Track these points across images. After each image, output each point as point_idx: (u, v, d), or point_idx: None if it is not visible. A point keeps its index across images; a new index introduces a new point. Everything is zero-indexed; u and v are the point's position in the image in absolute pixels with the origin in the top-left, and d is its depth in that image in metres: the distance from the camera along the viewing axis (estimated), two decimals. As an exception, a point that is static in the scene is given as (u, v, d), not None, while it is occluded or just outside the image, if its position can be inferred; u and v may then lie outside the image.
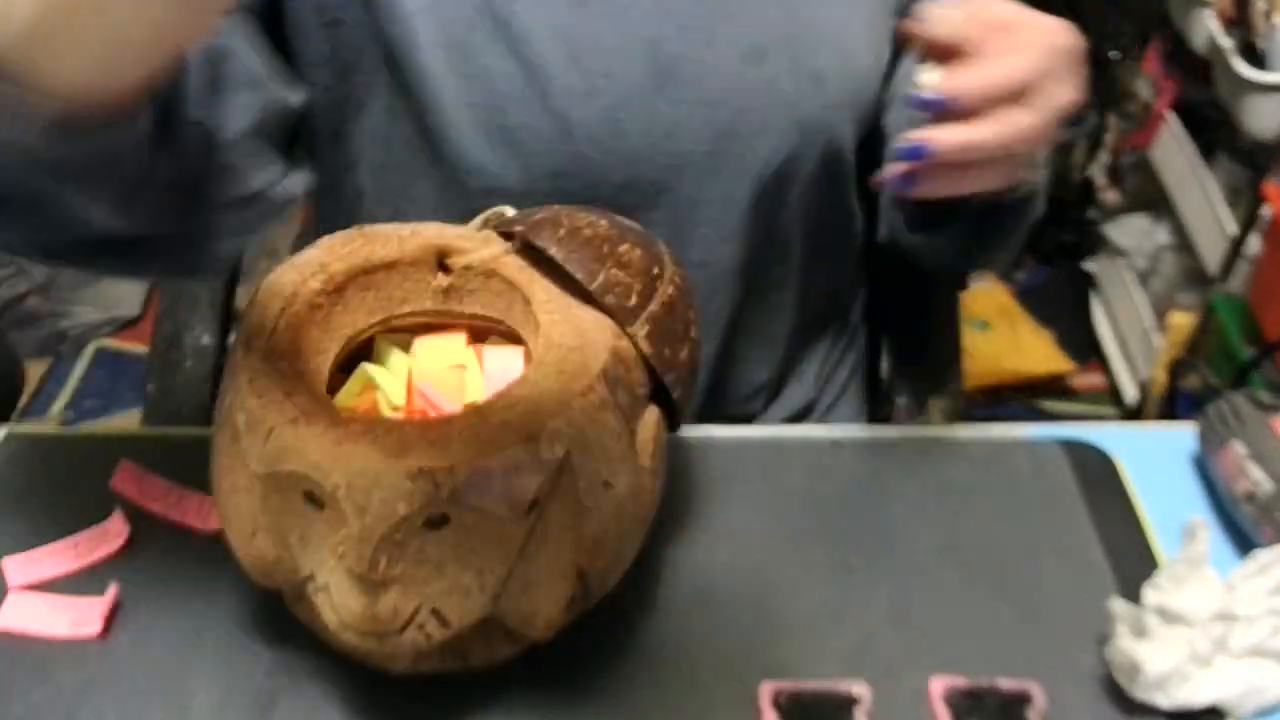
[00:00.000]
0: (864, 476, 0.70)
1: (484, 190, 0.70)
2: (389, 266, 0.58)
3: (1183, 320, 1.69)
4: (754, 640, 0.60)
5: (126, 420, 1.91)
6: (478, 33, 0.68)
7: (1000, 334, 2.02)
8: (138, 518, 0.66)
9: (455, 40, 0.68)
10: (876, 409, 1.01)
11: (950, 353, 0.94)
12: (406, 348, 0.60)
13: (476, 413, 0.49)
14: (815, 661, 0.59)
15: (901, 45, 0.77)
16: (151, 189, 0.54)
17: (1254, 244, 1.55)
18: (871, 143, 0.78)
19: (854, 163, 0.78)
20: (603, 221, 0.58)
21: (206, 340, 0.98)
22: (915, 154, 0.57)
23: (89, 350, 2.13)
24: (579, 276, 0.55)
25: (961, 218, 0.70)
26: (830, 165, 0.75)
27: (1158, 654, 0.55)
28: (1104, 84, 1.99)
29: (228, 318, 1.00)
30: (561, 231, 0.56)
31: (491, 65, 0.68)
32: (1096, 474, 0.70)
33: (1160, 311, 1.82)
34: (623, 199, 0.70)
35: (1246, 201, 1.57)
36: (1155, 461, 0.71)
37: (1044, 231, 2.18)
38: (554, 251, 0.55)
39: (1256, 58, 1.49)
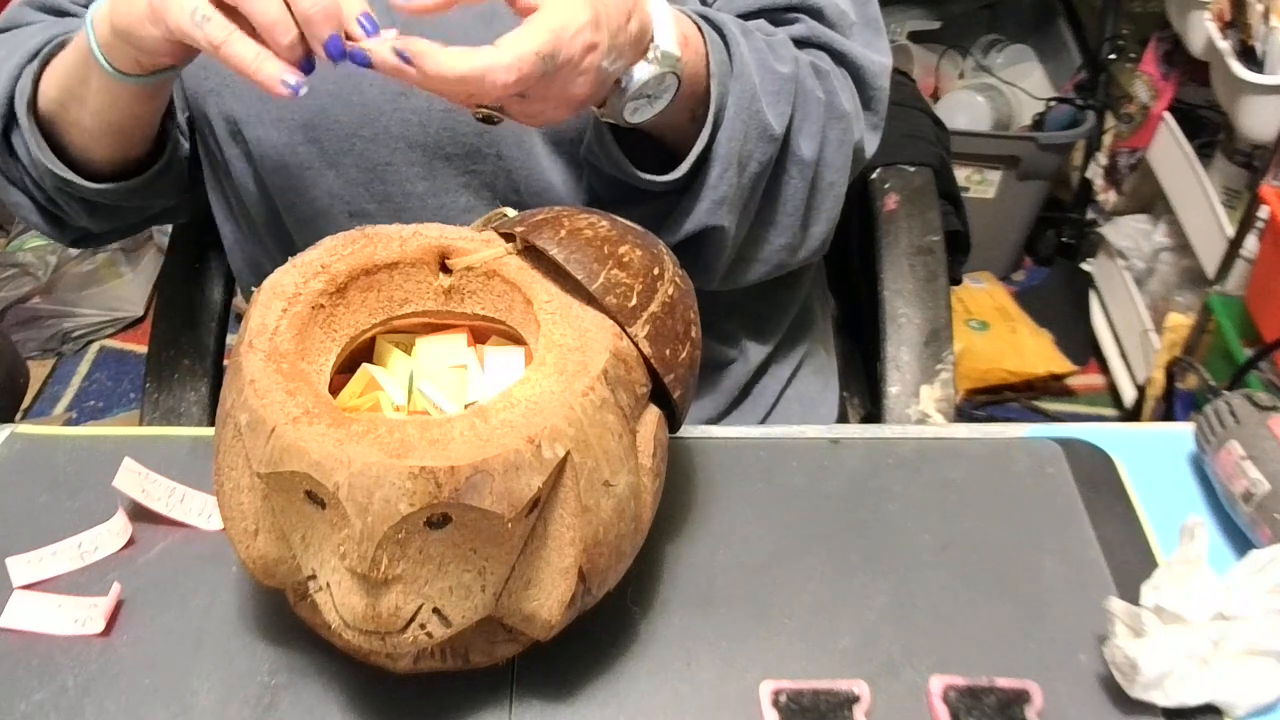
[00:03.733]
0: (864, 476, 0.70)
1: (256, 139, 0.78)
2: (390, 267, 0.59)
3: (1180, 321, 1.69)
4: (754, 640, 0.60)
5: (129, 420, 1.91)
6: None
7: (999, 334, 2.02)
8: (141, 517, 0.67)
9: None
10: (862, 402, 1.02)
11: (940, 342, 0.94)
12: (408, 348, 0.60)
13: (477, 413, 0.50)
14: (815, 661, 0.59)
15: None
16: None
17: (1251, 245, 1.55)
18: None
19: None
20: (603, 222, 0.58)
21: (206, 341, 0.98)
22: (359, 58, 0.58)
23: (92, 350, 2.13)
24: (580, 277, 0.55)
25: (650, 203, 0.74)
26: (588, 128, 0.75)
27: (1156, 653, 0.55)
28: (1102, 85, 1.99)
29: (227, 318, 1.01)
30: (562, 232, 0.56)
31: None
32: (1095, 474, 0.70)
33: (1158, 312, 1.82)
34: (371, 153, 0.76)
35: (1244, 203, 1.57)
36: (1153, 461, 0.71)
37: (1043, 233, 2.18)
38: (555, 252, 0.56)
39: (1254, 60, 1.49)
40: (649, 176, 0.71)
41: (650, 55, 0.65)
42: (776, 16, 0.79)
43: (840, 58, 0.78)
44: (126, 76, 0.68)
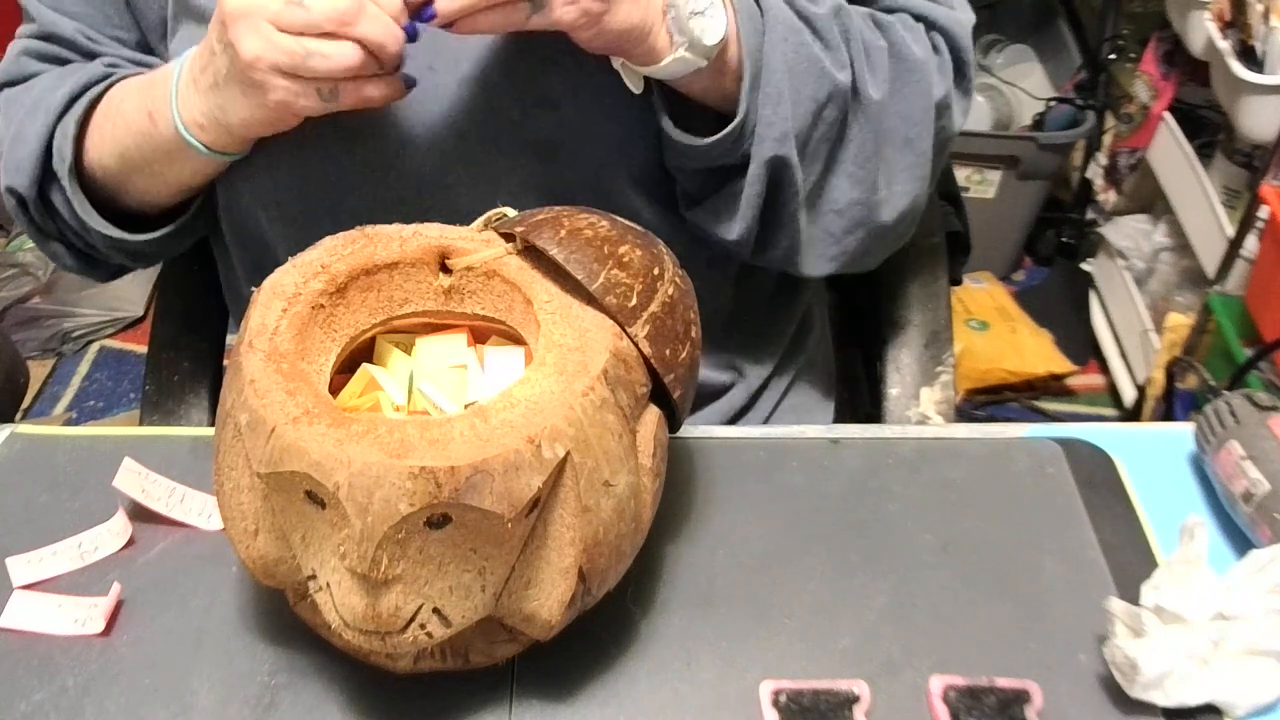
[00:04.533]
0: (864, 476, 0.70)
1: (241, 207, 0.78)
2: (390, 267, 0.59)
3: (1180, 321, 1.69)
4: (754, 640, 0.60)
5: (129, 420, 1.91)
6: None
7: (999, 334, 2.02)
8: (140, 517, 0.67)
9: None
10: (860, 405, 1.02)
11: (940, 344, 0.94)
12: (408, 348, 0.60)
13: (477, 413, 0.50)
14: (815, 661, 0.59)
15: None
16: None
17: (1251, 245, 1.55)
18: None
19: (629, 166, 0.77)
20: (603, 222, 0.58)
21: (206, 342, 0.98)
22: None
23: (92, 350, 2.13)
24: (580, 277, 0.55)
25: (716, 186, 0.73)
26: (600, 181, 0.75)
27: (1155, 653, 0.55)
28: (1102, 85, 1.99)
29: (227, 318, 1.01)
30: (562, 232, 0.56)
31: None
32: (1095, 474, 0.70)
33: (1158, 312, 1.82)
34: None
35: (1244, 203, 1.57)
36: (1153, 461, 0.71)
37: (1043, 233, 2.18)
38: (555, 252, 0.56)
39: (1254, 60, 1.49)
40: (708, 139, 0.69)
41: None
42: None
43: (921, 19, 0.76)
44: (224, 155, 0.72)
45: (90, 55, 0.81)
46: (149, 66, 0.80)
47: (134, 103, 0.73)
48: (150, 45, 0.81)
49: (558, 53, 0.70)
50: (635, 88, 0.69)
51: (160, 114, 0.71)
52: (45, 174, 0.76)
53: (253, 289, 0.57)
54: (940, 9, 0.77)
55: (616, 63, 0.68)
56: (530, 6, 0.61)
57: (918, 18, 0.76)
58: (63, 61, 0.82)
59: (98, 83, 0.77)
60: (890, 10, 0.76)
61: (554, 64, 0.71)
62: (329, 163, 0.74)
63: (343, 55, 0.61)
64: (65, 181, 0.75)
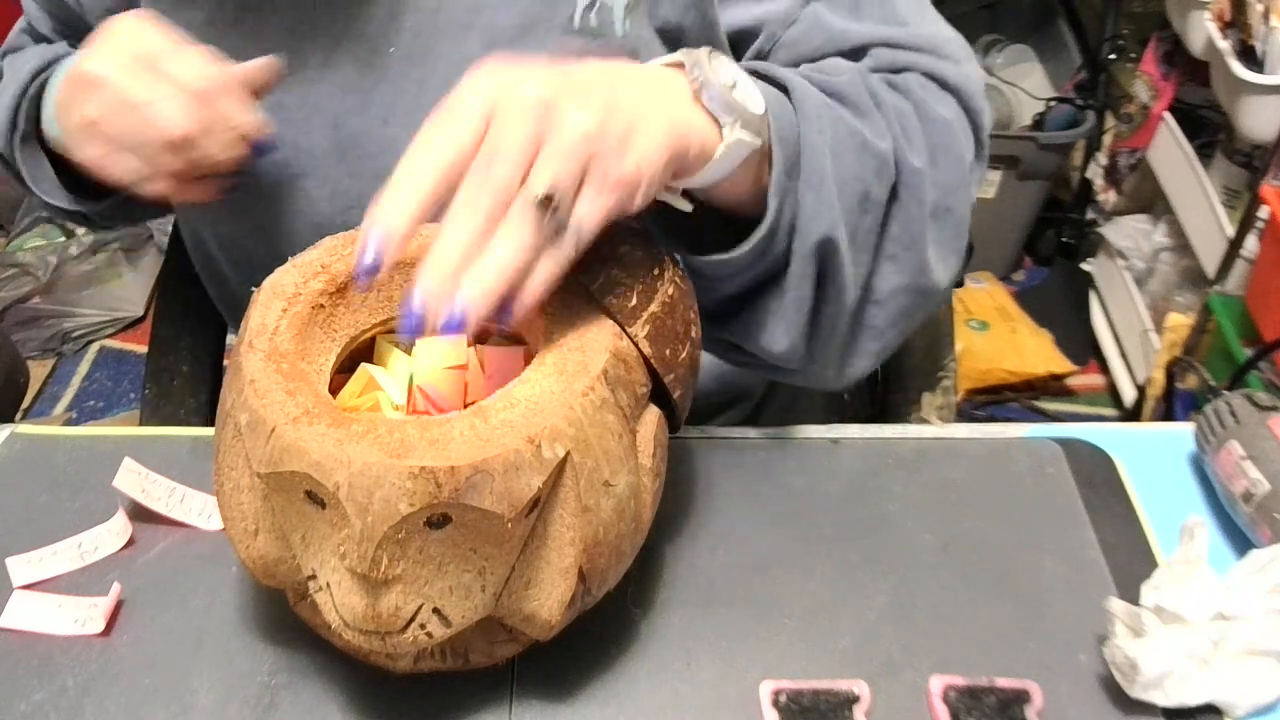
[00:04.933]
0: (864, 476, 0.70)
1: (200, 239, 0.81)
2: (391, 267, 0.58)
3: (1180, 321, 1.69)
4: (754, 640, 0.60)
5: (129, 420, 1.91)
6: None
7: (999, 334, 2.02)
8: (140, 517, 0.67)
9: None
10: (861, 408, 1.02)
11: (942, 348, 0.94)
12: (408, 348, 0.60)
13: (477, 413, 0.50)
14: (815, 661, 0.59)
15: None
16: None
17: (1251, 245, 1.55)
18: None
19: None
20: (603, 223, 0.58)
21: (206, 342, 0.98)
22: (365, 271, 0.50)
23: (92, 350, 2.13)
24: (579, 277, 0.55)
25: (750, 299, 0.64)
26: None
27: (1156, 653, 0.55)
28: (1102, 85, 1.99)
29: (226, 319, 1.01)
30: (562, 232, 0.56)
31: None
32: (1095, 474, 0.70)
33: (1158, 312, 1.82)
34: None
35: (1244, 203, 1.57)
36: (1153, 461, 0.71)
37: (1043, 233, 2.18)
38: (555, 252, 0.55)
39: (1254, 60, 1.49)
40: (743, 248, 0.60)
41: (688, 62, 0.56)
42: (849, 57, 0.69)
43: (934, 77, 0.68)
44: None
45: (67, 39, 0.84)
46: None
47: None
48: None
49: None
50: (685, 206, 0.58)
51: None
52: (11, 136, 0.78)
53: (252, 289, 0.57)
54: (948, 65, 0.68)
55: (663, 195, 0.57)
56: (574, 235, 0.50)
57: (928, 75, 0.68)
58: (49, 41, 0.85)
59: (66, 56, 0.78)
60: (895, 69, 0.68)
61: None
62: (280, 215, 0.75)
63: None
64: (16, 149, 0.77)
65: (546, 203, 0.49)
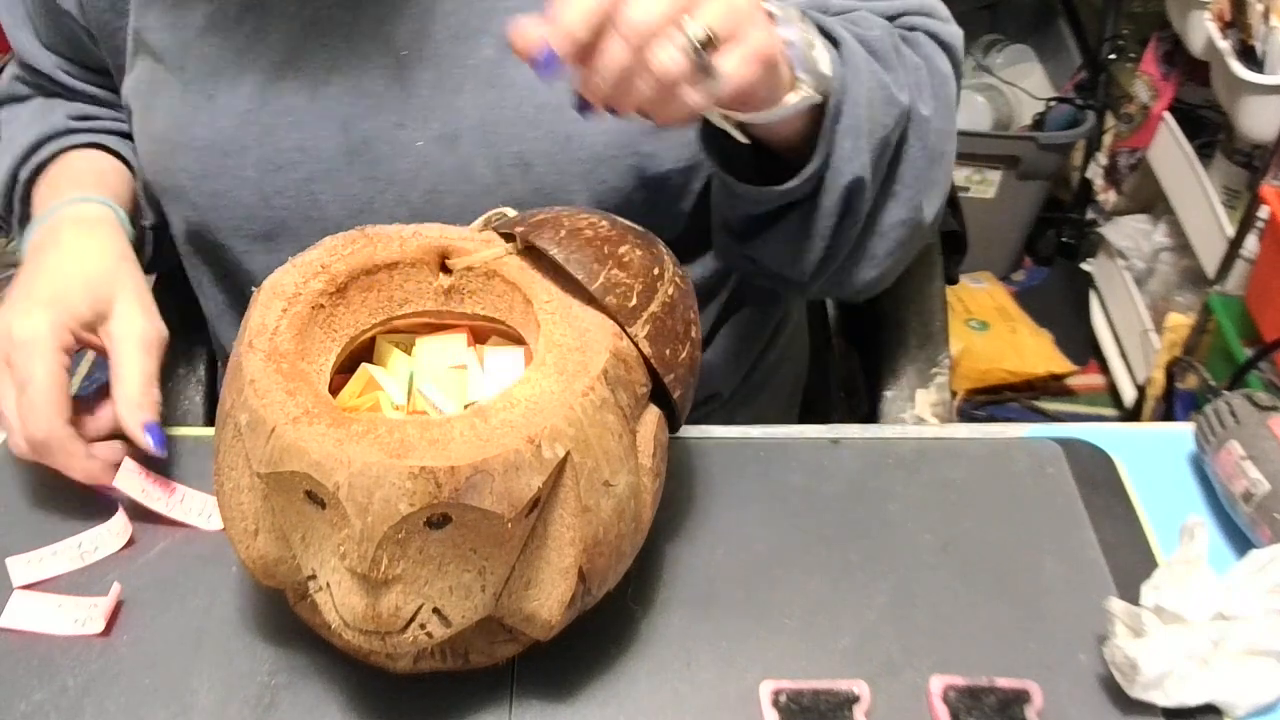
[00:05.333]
0: (864, 476, 0.70)
1: (212, 244, 0.78)
2: (390, 267, 0.59)
3: (1180, 321, 1.69)
4: (754, 640, 0.60)
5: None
6: (187, 106, 0.73)
7: (999, 334, 2.02)
8: (140, 517, 0.67)
9: (171, 111, 0.74)
10: (857, 406, 1.02)
11: (936, 346, 0.94)
12: (408, 348, 0.60)
13: (477, 413, 0.50)
14: (815, 661, 0.59)
15: None
16: None
17: (1251, 245, 1.55)
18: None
19: None
20: (603, 222, 0.58)
21: (206, 343, 0.98)
22: (548, 67, 0.54)
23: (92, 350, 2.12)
24: (579, 277, 0.55)
25: (777, 220, 0.70)
26: None
27: (1155, 653, 0.55)
28: (1102, 85, 1.99)
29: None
30: (562, 232, 0.56)
31: (197, 135, 0.73)
32: (1095, 474, 0.70)
33: (1158, 312, 1.82)
34: None
35: (1244, 203, 1.57)
36: (1153, 461, 0.71)
37: (1043, 233, 2.18)
38: (555, 252, 0.56)
39: (1254, 60, 1.49)
40: (789, 184, 0.66)
41: (779, 15, 0.60)
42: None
43: (933, 36, 0.75)
44: None
45: (68, 90, 0.83)
46: (111, 105, 0.83)
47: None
48: (112, 76, 0.82)
49: (535, 110, 0.69)
50: (741, 136, 0.63)
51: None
52: (8, 202, 0.81)
53: (252, 288, 0.57)
54: (942, 25, 0.76)
55: (714, 115, 0.62)
56: (713, 83, 0.55)
57: (928, 34, 0.75)
58: (46, 91, 0.85)
59: (58, 136, 0.81)
60: (908, 28, 0.75)
61: (530, 123, 0.70)
62: (285, 220, 0.74)
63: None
64: (15, 230, 0.80)
65: (705, 45, 0.53)
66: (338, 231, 0.66)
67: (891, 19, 0.74)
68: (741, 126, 0.63)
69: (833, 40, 0.66)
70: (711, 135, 0.66)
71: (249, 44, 0.71)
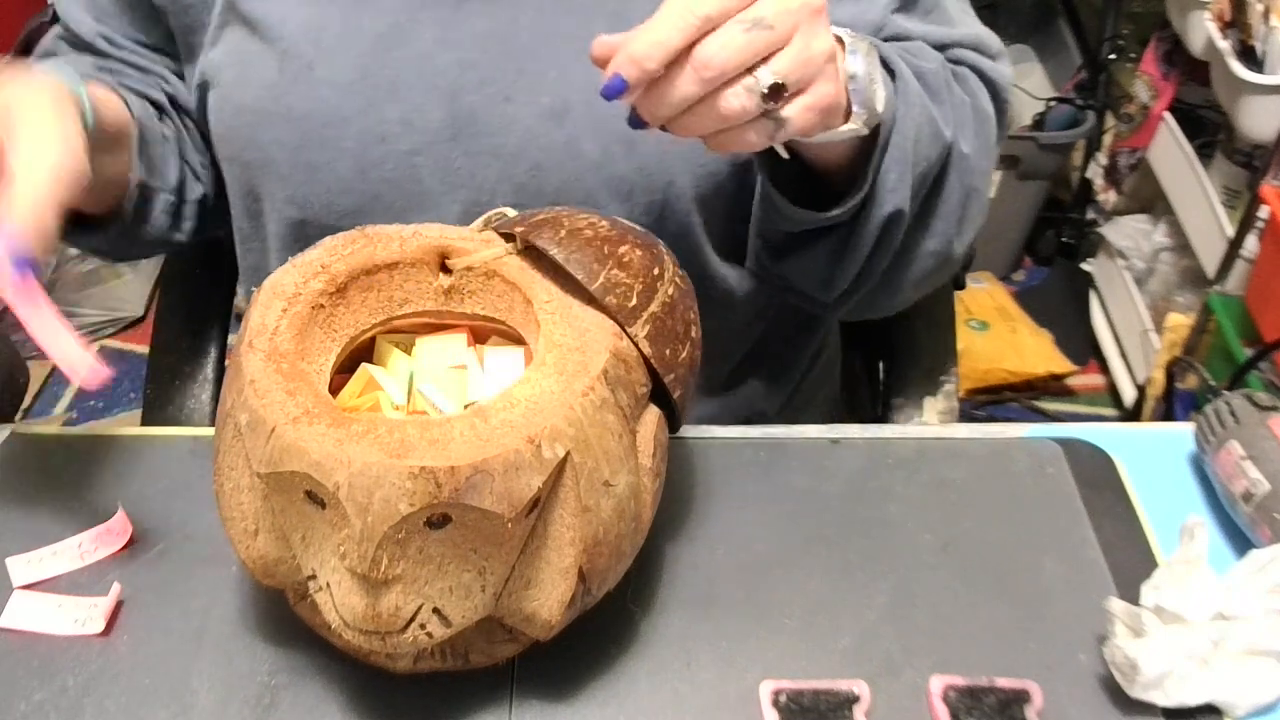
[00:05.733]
0: (864, 476, 0.70)
1: (297, 220, 0.75)
2: (390, 267, 0.59)
3: (1180, 321, 1.69)
4: (754, 640, 0.60)
5: (129, 420, 1.91)
6: (284, 76, 0.72)
7: (999, 334, 2.02)
8: (141, 517, 0.67)
9: (265, 82, 0.72)
10: (864, 410, 1.01)
11: (944, 353, 0.94)
12: (408, 348, 0.60)
13: (477, 413, 0.50)
14: (815, 661, 0.59)
15: None
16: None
17: (1251, 245, 1.55)
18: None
19: (705, 221, 0.75)
20: (603, 222, 0.58)
21: (207, 342, 0.98)
22: (612, 90, 0.55)
23: (92, 350, 2.13)
24: (579, 277, 0.55)
25: (814, 241, 0.70)
26: (669, 225, 0.73)
27: (1155, 653, 0.55)
28: (1102, 85, 1.99)
29: (228, 319, 1.01)
30: (562, 232, 0.56)
31: (294, 106, 0.72)
32: (1095, 474, 0.70)
33: (1158, 312, 1.82)
34: None
35: (1244, 203, 1.57)
36: (1153, 461, 0.71)
37: (1043, 233, 2.18)
38: (555, 252, 0.56)
39: (1254, 60, 1.49)
40: (834, 211, 0.67)
41: (849, 44, 0.60)
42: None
43: (980, 74, 0.75)
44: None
45: (106, 56, 0.80)
46: (151, 72, 0.80)
47: None
48: (168, 49, 0.80)
49: None
50: (783, 151, 0.64)
51: None
52: None
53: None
54: (990, 63, 0.75)
55: None
56: (772, 125, 0.56)
57: (975, 70, 0.75)
58: (84, 47, 0.81)
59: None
60: (955, 62, 0.75)
61: None
62: (381, 195, 0.73)
63: None
64: None
65: (772, 91, 0.54)
66: (435, 207, 0.66)
67: (942, 48, 0.74)
68: (786, 145, 0.63)
69: (889, 71, 0.66)
70: (762, 166, 0.67)
71: (353, 13, 0.70)
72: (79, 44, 0.82)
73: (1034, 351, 2.00)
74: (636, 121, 0.57)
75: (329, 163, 0.72)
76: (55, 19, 0.82)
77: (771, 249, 0.74)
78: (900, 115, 0.65)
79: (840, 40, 0.59)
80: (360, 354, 0.59)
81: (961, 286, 1.00)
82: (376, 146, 0.71)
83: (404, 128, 0.71)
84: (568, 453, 0.50)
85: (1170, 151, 1.76)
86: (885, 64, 0.65)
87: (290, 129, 0.72)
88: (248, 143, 0.74)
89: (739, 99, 0.54)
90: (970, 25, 0.77)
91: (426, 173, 0.72)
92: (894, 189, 0.66)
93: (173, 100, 0.81)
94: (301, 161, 0.73)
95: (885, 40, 0.71)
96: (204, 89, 0.77)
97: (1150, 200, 1.97)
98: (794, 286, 0.75)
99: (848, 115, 0.61)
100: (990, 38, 0.77)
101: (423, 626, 0.50)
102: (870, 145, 0.65)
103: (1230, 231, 1.57)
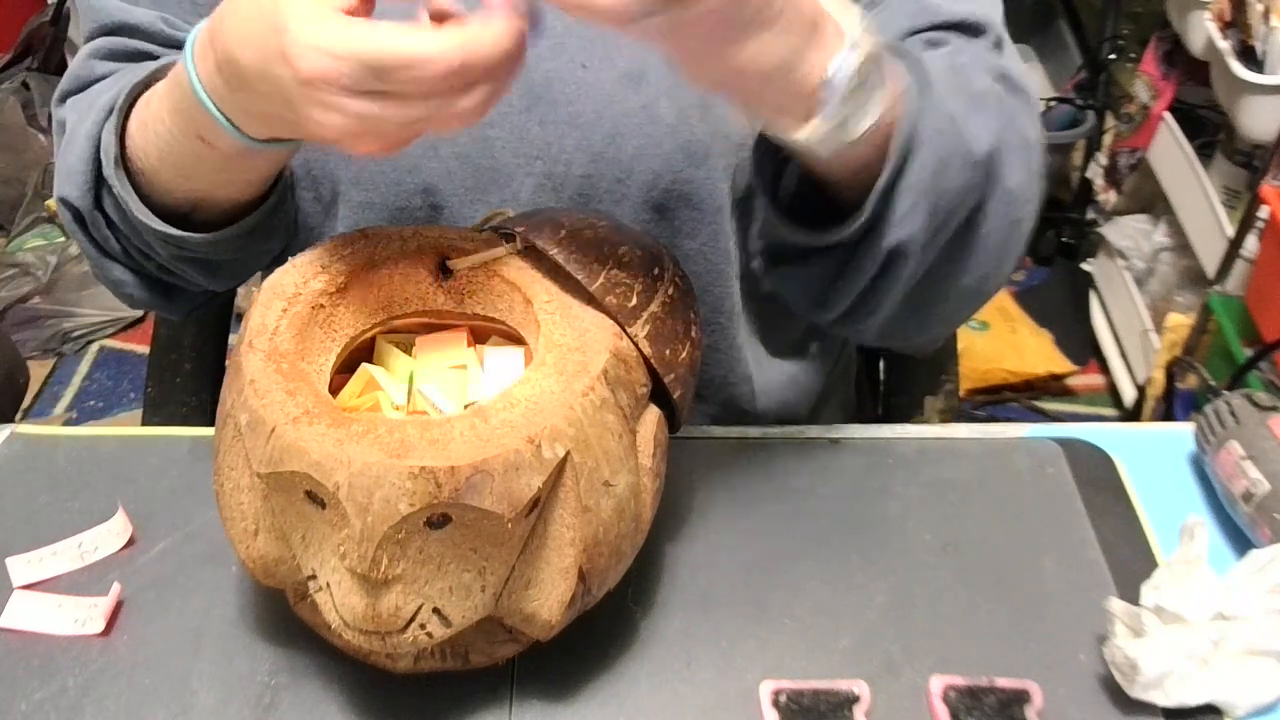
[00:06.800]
0: (864, 476, 0.70)
1: (362, 204, 0.72)
2: (390, 267, 0.59)
3: (1180, 321, 1.69)
4: (754, 640, 0.60)
5: (129, 420, 1.91)
6: None
7: (999, 334, 2.02)
8: (141, 517, 0.67)
9: None
10: (865, 408, 1.01)
11: (945, 352, 0.94)
12: (408, 348, 0.60)
13: (477, 413, 0.50)
14: (815, 661, 0.59)
15: None
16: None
17: (1251, 245, 1.55)
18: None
19: (728, 192, 0.72)
20: (603, 223, 0.58)
21: (207, 342, 0.98)
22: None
23: (92, 350, 2.13)
24: (579, 277, 0.55)
25: (812, 260, 0.65)
26: (713, 193, 0.71)
27: (1155, 653, 0.55)
28: (1102, 85, 1.99)
29: (228, 318, 1.01)
30: (562, 232, 0.56)
31: None
32: (1095, 474, 0.70)
33: (1158, 312, 1.82)
34: None
35: (1244, 203, 1.57)
36: (1153, 461, 0.71)
37: (1043, 233, 2.18)
38: (555, 252, 0.56)
39: (1254, 60, 1.49)
40: (833, 236, 0.61)
41: (847, 43, 0.53)
42: (928, 39, 0.68)
43: (1007, 81, 0.66)
44: (259, 143, 0.57)
45: (171, 44, 0.73)
46: None
47: (162, 99, 0.62)
48: None
49: None
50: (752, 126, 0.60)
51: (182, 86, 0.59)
52: (98, 181, 0.67)
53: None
54: (1019, 74, 0.67)
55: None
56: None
57: (1004, 80, 0.67)
58: (139, 55, 0.73)
59: (142, 84, 0.66)
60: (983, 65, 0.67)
61: None
62: (455, 167, 0.70)
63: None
64: (114, 181, 0.64)
65: None
66: (508, 183, 0.64)
67: (935, 29, 0.68)
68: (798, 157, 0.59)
69: (921, 87, 0.59)
70: (764, 157, 0.63)
71: None
72: (135, 38, 0.73)
73: (1034, 351, 2.00)
74: None
75: (437, 143, 0.70)
76: (55, 20, 0.80)
77: (765, 255, 0.71)
78: (920, 139, 0.58)
79: (841, 34, 0.54)
80: (360, 354, 0.59)
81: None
82: None
83: None
84: (568, 453, 0.50)
85: (1170, 151, 1.75)
86: (921, 79, 0.59)
87: None
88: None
89: None
90: (978, 3, 0.69)
91: (500, 145, 0.70)
92: (904, 219, 0.59)
93: None
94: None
95: (928, 49, 0.65)
96: None
97: (1150, 200, 1.97)
98: (784, 297, 0.70)
99: (810, 111, 0.54)
100: (996, 23, 0.69)
101: (423, 626, 0.50)
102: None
103: (1230, 231, 1.57)
